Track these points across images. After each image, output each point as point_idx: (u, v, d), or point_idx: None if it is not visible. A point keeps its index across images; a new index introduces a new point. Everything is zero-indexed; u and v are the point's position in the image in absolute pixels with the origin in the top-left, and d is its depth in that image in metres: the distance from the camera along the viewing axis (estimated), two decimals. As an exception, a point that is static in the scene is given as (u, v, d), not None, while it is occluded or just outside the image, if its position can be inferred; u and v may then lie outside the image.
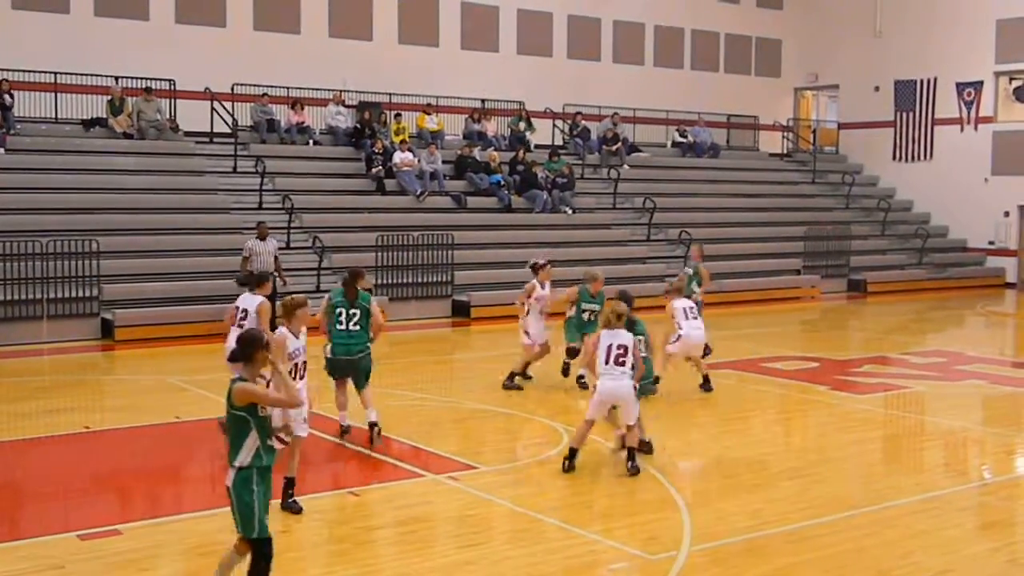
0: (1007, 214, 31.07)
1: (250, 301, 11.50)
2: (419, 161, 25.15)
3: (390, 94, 27.26)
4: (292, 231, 22.24)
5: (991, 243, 31.58)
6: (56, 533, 8.45)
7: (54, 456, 11.30)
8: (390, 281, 21.88)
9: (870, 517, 9.26)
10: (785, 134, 35.49)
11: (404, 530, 8.89)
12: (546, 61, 30.68)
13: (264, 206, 22.98)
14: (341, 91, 26.27)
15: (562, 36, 31.14)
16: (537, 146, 28.37)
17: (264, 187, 23.26)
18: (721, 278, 26.09)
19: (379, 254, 21.86)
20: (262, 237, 18.83)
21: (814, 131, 36.21)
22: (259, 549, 6.80)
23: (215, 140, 24.41)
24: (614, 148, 29.35)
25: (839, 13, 34.65)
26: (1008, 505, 10.13)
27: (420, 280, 22.17)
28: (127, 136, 23.35)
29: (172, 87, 24.54)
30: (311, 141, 25.67)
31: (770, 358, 17.56)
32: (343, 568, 7.94)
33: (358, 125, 25.94)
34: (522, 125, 28.34)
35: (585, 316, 14.02)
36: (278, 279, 17.19)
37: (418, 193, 24.45)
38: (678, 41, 33.48)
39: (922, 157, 33.22)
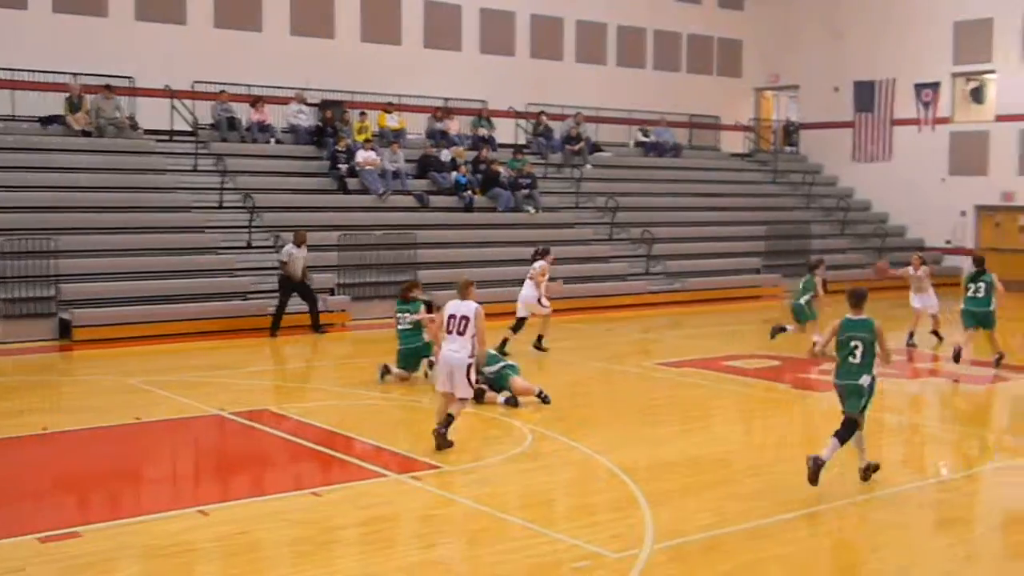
0: (963, 213, 31.44)
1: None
2: (382, 160, 25.09)
3: (352, 92, 27.15)
4: (253, 230, 22.10)
5: (948, 242, 31.94)
6: (16, 536, 8.35)
7: (12, 458, 11.16)
8: (352, 280, 21.80)
9: (830, 513, 9.35)
10: (746, 134, 35.72)
11: (367, 530, 8.86)
12: (509, 60, 30.68)
13: (224, 205, 22.84)
14: (303, 89, 26.13)
15: (525, 35, 31.15)
16: (500, 145, 28.37)
17: (225, 186, 23.11)
18: (683, 277, 26.32)
19: (342, 253, 21.77)
20: (299, 243, 19.64)
21: (775, 131, 36.48)
22: None
23: (175, 138, 24.21)
24: (577, 148, 29.41)
25: (799, 14, 34.92)
26: (966, 501, 10.25)
27: (383, 279, 22.11)
28: (85, 134, 23.09)
29: (131, 84, 24.31)
30: (272, 140, 25.52)
31: (732, 356, 17.66)
32: (305, 569, 7.90)
33: (320, 124, 25.83)
34: (482, 130, 28.30)
35: None
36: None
37: (381, 192, 24.38)
38: (640, 41, 33.58)
39: (880, 157, 33.53)
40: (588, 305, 23.28)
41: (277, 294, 19.78)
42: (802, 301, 17.86)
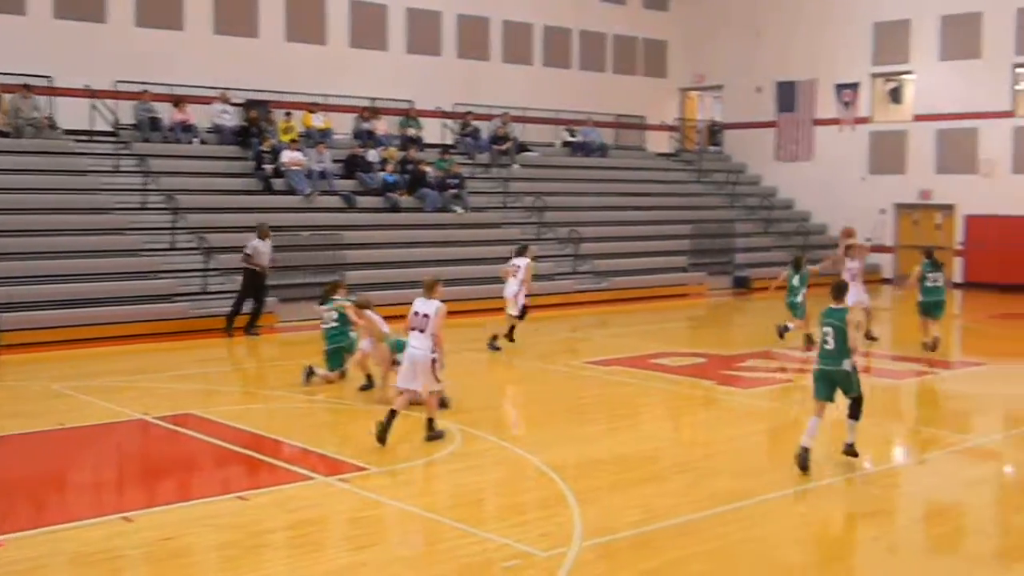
0: (883, 211, 32.07)
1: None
2: (308, 160, 24.91)
3: (277, 92, 26.90)
4: (177, 231, 21.81)
5: (868, 240, 32.50)
6: (-68, 546, 8.16)
7: (-72, 466, 10.90)
8: (279, 282, 21.58)
9: (757, 508, 9.48)
10: (671, 134, 36.08)
11: (294, 534, 8.80)
12: (435, 60, 30.64)
13: (148, 206, 22.50)
14: (227, 89, 25.84)
15: (451, 35, 31.13)
16: (427, 145, 28.33)
17: (147, 187, 22.77)
18: (610, 276, 26.52)
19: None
20: (263, 237, 19.81)
21: (699, 131, 36.89)
22: None
23: (96, 139, 23.79)
24: (504, 147, 29.49)
25: (723, 15, 35.34)
26: (887, 494, 10.47)
27: (310, 280, 21.93)
28: (3, 135, 22.58)
29: (50, 84, 23.84)
30: (196, 140, 25.20)
31: (658, 354, 17.82)
32: (233, 574, 7.83)
33: (244, 124, 25.57)
34: (411, 130, 28.24)
35: None
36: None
37: (307, 193, 24.21)
38: (566, 41, 33.75)
39: (802, 157, 34.09)
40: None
41: (236, 291, 19.78)
42: (799, 298, 18.52)
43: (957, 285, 29.62)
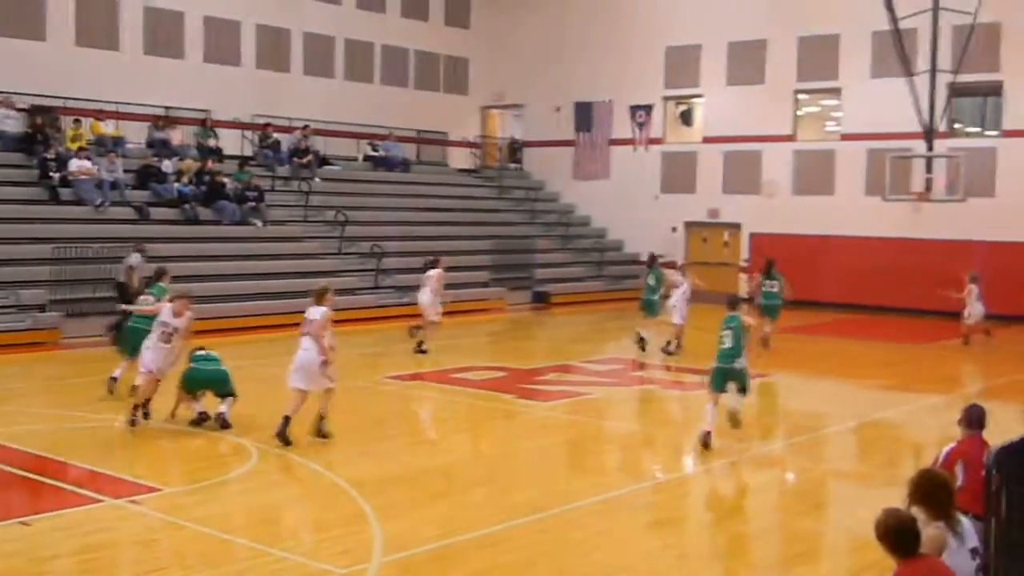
0: (675, 229, 33.25)
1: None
2: (98, 170, 23.93)
3: (65, 98, 25.78)
4: (-46, 243, 20.64)
5: (661, 256, 33.64)
6: None
7: None
8: (67, 296, 20.67)
9: (555, 520, 9.67)
10: (473, 150, 36.45)
11: (82, 559, 8.44)
12: (234, 70, 30.00)
13: (-79, 215, 21.20)
14: (10, 93, 24.58)
15: (250, 45, 30.55)
16: (226, 156, 27.69)
17: (-79, 195, 21.47)
18: (412, 291, 26.48)
19: (54, 267, 20.62)
20: (140, 251, 19.71)
21: (500, 148, 37.39)
22: None
23: None
24: (305, 160, 29.12)
25: (523, 35, 35.96)
26: (678, 502, 10.87)
27: (99, 295, 21.09)
28: None
29: None
30: (-25, 146, 23.88)
31: (459, 369, 17.95)
32: (13, 603, 7.46)
33: (29, 130, 24.38)
34: (211, 141, 27.57)
35: None
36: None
37: (97, 203, 23.27)
38: (368, 56, 33.63)
39: (599, 175, 35.00)
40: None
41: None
42: (656, 297, 20.41)
43: (743, 301, 30.94)
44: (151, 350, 12.87)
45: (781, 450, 13.31)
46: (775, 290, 20.79)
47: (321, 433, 12.26)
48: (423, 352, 19.39)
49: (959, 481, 7.13)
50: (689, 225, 33.18)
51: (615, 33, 34.05)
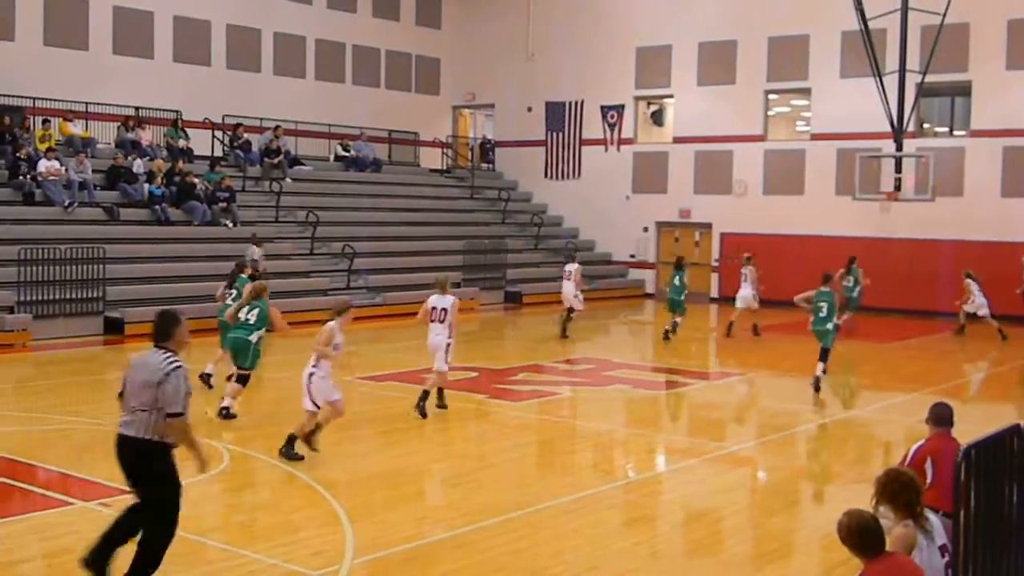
0: (646, 229, 33.37)
1: None
2: (67, 170, 23.75)
3: (34, 99, 25.57)
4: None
5: (632, 256, 33.83)
6: None
7: None
8: (35, 298, 20.51)
9: (526, 519, 9.68)
10: (444, 150, 36.43)
11: (52, 563, 8.39)
12: (204, 70, 29.86)
13: None
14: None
15: (221, 45, 30.41)
16: (197, 157, 27.55)
17: None
18: (384, 291, 26.49)
19: (22, 268, 20.46)
20: (257, 244, 21.86)
21: (472, 148, 37.40)
22: None
23: None
24: (276, 161, 29.00)
25: (495, 36, 35.99)
26: (650, 501, 10.90)
27: (69, 296, 20.94)
28: None
29: None
30: (-58, 146, 23.66)
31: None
32: (-18, 607, 7.40)
33: (-3, 130, 24.19)
34: (181, 141, 27.41)
35: None
36: None
37: (66, 204, 23.09)
38: (340, 56, 33.56)
39: (571, 175, 35.08)
40: (289, 320, 22.90)
41: None
42: (682, 297, 22.12)
43: (713, 300, 31.14)
44: (326, 380, 11.65)
45: (752, 448, 13.38)
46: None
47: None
48: (566, 337, 21.99)
49: (928, 479, 7.19)
50: (660, 225, 33.28)
51: (586, 33, 34.10)
